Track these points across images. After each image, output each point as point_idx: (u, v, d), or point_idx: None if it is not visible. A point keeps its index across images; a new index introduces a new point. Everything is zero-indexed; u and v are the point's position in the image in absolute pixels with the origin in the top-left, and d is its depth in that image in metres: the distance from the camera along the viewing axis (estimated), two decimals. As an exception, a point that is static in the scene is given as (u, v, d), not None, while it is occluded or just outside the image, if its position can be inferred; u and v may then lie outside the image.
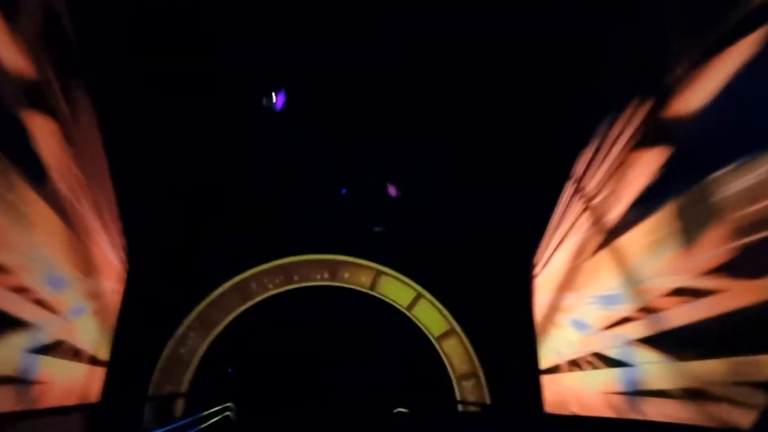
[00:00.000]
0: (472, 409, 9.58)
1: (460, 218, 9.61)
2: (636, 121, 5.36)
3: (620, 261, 5.63)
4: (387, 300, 10.17)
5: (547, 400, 8.09)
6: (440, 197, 9.56)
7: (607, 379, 5.94)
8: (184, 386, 9.25)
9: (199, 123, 7.91)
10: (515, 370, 8.87)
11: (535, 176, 7.85)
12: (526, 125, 7.37)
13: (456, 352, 9.76)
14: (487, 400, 9.47)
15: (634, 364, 5.37)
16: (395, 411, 10.58)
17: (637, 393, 5.29)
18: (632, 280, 5.38)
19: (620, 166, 5.66)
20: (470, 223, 9.50)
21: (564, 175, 7.23)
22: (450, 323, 9.92)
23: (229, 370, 10.83)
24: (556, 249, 7.64)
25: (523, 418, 8.37)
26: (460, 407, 9.60)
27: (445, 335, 9.86)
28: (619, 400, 5.64)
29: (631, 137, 5.45)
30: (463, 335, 9.85)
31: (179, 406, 9.14)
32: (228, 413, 10.15)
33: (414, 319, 10.04)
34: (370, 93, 7.86)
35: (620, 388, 5.63)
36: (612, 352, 5.82)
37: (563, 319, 7.33)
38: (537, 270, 8.62)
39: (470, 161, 8.77)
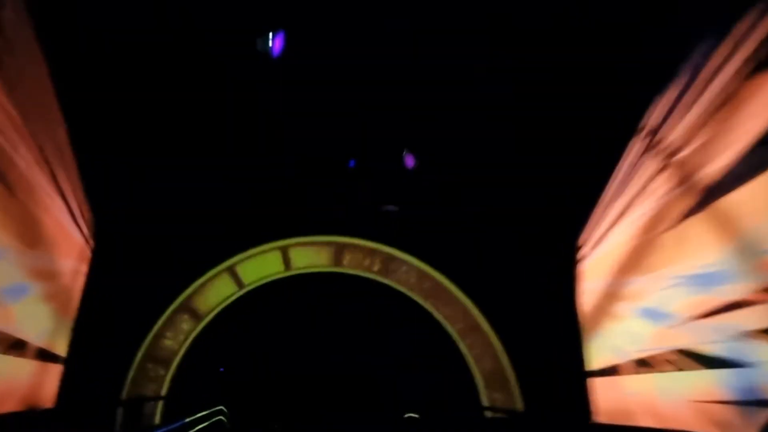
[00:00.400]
0: (500, 416, 8.20)
1: (487, 192, 8.18)
2: (758, 36, 3.98)
3: (726, 226, 4.25)
4: (400, 289, 8.77)
5: (600, 408, 6.71)
6: (463, 167, 8.14)
7: (702, 383, 4.55)
8: (164, 389, 7.86)
9: (181, 76, 6.53)
10: (554, 372, 7.48)
11: (585, 134, 6.45)
12: (572, 66, 5.97)
13: (482, 350, 8.36)
14: (519, 407, 8.08)
15: (751, 363, 3.99)
16: (405, 416, 9.24)
17: (758, 403, 3.91)
18: (749, 251, 4.00)
19: (727, 102, 4.28)
20: (499, 198, 8.08)
21: (629, 130, 5.84)
22: (474, 316, 8.53)
23: (221, 369, 9.47)
24: (614, 223, 6.26)
25: (566, 429, 6.98)
26: (487, 414, 8.20)
27: (469, 330, 8.47)
28: (725, 411, 4.25)
29: (749, 59, 4.06)
30: (489, 331, 8.45)
31: (158, 411, 7.75)
32: (220, 418, 8.78)
33: (432, 311, 8.65)
34: (383, 37, 6.49)
35: (726, 395, 4.25)
36: (711, 348, 4.43)
37: (626, 309, 5.94)
38: (584, 252, 7.24)
39: (498, 120, 7.32)
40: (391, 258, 8.86)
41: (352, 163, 8.93)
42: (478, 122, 7.33)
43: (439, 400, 8.52)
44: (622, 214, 6.07)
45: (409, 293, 8.72)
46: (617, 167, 6.18)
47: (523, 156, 7.26)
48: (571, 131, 6.54)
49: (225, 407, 8.90)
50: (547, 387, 7.50)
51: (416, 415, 9.00)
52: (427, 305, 8.64)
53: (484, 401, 8.17)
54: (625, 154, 5.98)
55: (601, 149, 6.34)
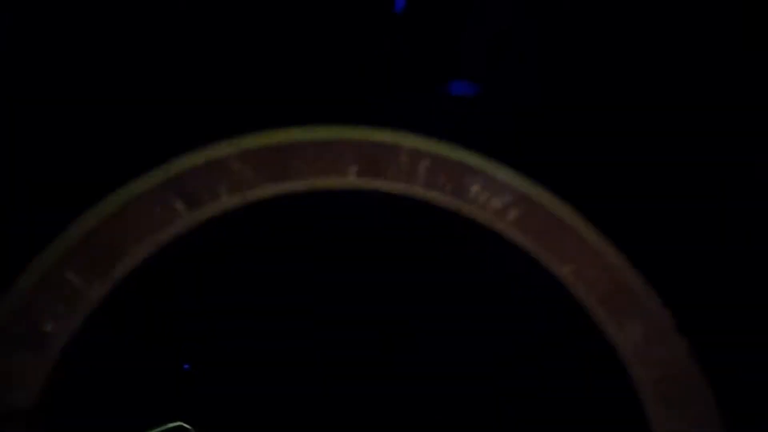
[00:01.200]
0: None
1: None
2: None
3: None
4: (482, 222, 4.92)
5: None
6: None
7: None
8: (33, 395, 4.04)
9: None
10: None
11: None
12: None
13: (643, 341, 4.52)
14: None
15: None
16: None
17: None
18: None
19: None
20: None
21: None
22: (620, 269, 4.70)
23: (186, 367, 5.83)
24: None
25: None
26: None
27: (618, 303, 4.62)
28: None
29: None
30: (644, 295, 4.64)
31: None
32: (182, 438, 5.09)
33: (543, 261, 4.80)
34: None
35: None
36: None
37: None
38: None
39: None
40: (467, 170, 4.99)
41: (400, 4, 5.19)
42: None
43: (563, 423, 4.71)
44: None
45: (501, 231, 4.88)
46: None
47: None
48: None
49: (187, 424, 5.22)
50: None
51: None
52: (535, 251, 4.80)
53: (654, 428, 4.33)
54: None
55: None
